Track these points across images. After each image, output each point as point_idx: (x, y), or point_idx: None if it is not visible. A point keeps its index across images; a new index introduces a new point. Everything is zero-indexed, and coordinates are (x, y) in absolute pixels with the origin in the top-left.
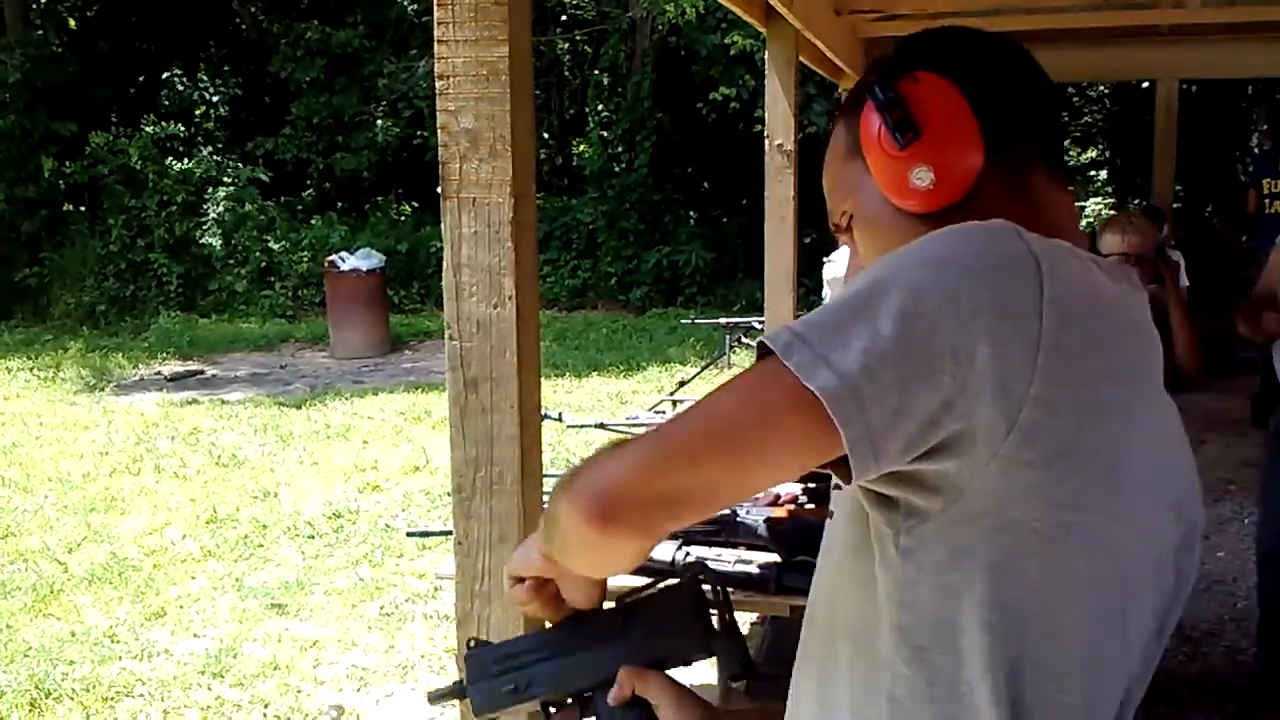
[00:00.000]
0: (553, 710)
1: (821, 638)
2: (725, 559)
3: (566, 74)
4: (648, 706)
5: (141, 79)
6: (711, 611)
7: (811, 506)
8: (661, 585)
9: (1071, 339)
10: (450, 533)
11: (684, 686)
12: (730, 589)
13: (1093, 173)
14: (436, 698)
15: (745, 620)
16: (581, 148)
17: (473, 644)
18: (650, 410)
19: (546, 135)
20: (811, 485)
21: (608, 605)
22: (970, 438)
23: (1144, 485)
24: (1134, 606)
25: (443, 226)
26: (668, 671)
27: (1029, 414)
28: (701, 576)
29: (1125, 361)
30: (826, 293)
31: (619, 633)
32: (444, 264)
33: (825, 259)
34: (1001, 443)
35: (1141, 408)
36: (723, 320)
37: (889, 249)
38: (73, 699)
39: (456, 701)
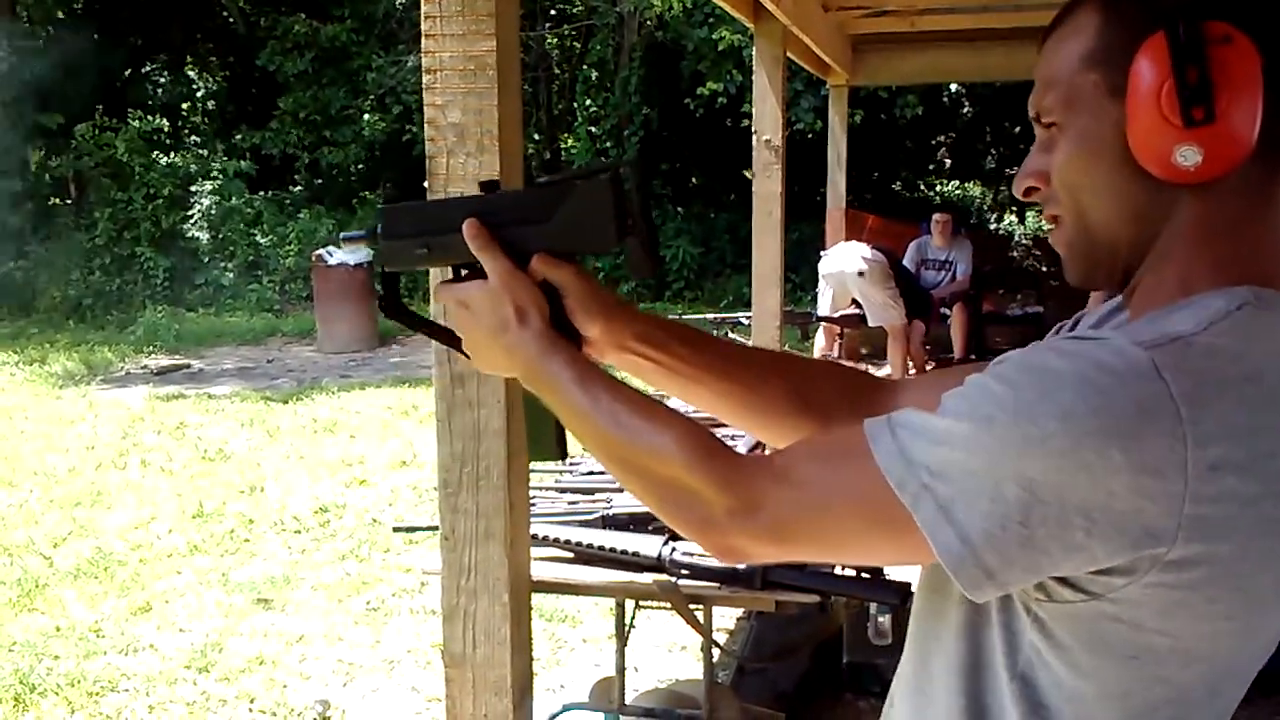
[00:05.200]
0: (464, 271)
1: (921, 674)
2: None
3: (554, 69)
4: (556, 292)
5: (128, 72)
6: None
7: None
8: (586, 177)
9: (1227, 481)
10: (437, 528)
11: (594, 279)
12: (718, 583)
13: None
14: (347, 239)
15: (730, 616)
16: (569, 143)
17: (388, 196)
18: None
19: (534, 130)
20: None
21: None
22: (1108, 571)
23: None
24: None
25: None
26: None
27: (1179, 553)
28: (623, 172)
29: None
30: (822, 286)
31: (541, 216)
32: None
33: (822, 252)
34: (1145, 574)
35: None
36: (710, 316)
37: (1093, 186)
38: (57, 694)
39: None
